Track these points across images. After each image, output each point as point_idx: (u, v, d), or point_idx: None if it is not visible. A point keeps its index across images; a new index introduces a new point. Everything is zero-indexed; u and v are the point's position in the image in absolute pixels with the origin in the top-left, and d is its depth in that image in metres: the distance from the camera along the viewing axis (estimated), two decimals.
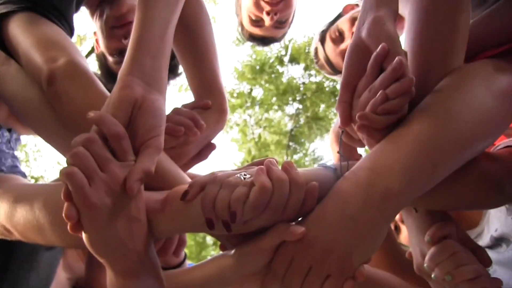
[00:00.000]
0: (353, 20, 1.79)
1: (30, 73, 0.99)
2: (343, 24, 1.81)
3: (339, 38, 1.81)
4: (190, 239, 10.94)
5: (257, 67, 12.00)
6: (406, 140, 0.76)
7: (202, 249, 12.53)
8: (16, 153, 1.36)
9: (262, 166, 0.74)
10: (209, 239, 10.98)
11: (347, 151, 1.00)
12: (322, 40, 1.89)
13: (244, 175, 0.75)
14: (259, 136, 12.50)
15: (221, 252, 0.87)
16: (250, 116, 12.55)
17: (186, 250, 1.09)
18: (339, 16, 1.91)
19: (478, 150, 0.81)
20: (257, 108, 12.52)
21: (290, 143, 12.09)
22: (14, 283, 1.12)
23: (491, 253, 1.05)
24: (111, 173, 0.70)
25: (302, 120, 12.11)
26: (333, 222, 0.73)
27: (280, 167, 0.75)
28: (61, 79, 0.91)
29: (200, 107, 1.10)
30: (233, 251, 0.81)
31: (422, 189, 0.76)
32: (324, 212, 0.74)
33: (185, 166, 1.04)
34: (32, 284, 1.15)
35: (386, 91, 0.79)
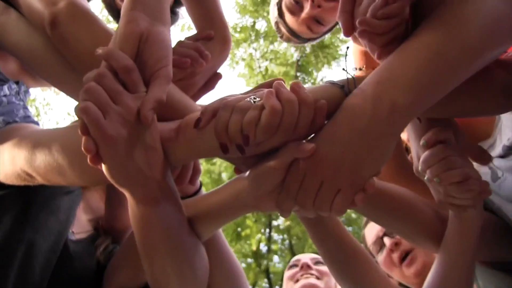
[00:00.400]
0: None
1: (32, 19, 0.99)
2: None
3: (297, 7, 1.70)
4: (205, 177, 11.11)
5: None
6: (413, 53, 0.75)
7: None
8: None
9: (271, 89, 0.75)
10: (225, 176, 11.14)
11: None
12: (280, 14, 1.78)
13: (254, 98, 0.76)
14: (266, 69, 12.38)
15: (236, 176, 0.90)
16: (255, 49, 12.38)
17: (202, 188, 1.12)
18: None
19: (488, 59, 0.81)
20: (261, 41, 12.32)
21: (298, 74, 11.98)
22: (34, 226, 1.15)
23: (503, 162, 1.07)
24: (124, 105, 0.73)
25: (308, 49, 11.94)
26: (342, 137, 0.74)
27: (288, 88, 0.76)
28: (64, 21, 0.91)
29: (203, 38, 1.11)
30: (247, 173, 0.84)
31: (430, 101, 0.76)
32: (333, 128, 0.76)
33: (194, 98, 1.05)
34: (52, 227, 1.18)
35: None
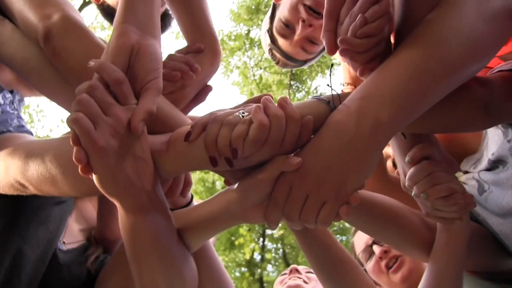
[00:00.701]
0: (293, 6, 1.63)
1: (26, 32, 1.00)
2: (285, 13, 1.67)
3: (288, 30, 1.68)
4: (199, 185, 11.10)
5: (253, 7, 11.79)
6: (395, 69, 0.77)
7: (212, 195, 12.73)
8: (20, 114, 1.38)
9: (259, 104, 0.77)
10: (218, 185, 11.14)
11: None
12: (273, 40, 1.77)
13: (243, 113, 0.78)
14: (260, 77, 12.43)
15: (226, 188, 0.91)
16: (249, 58, 12.43)
17: (196, 197, 1.12)
18: (274, 8, 1.77)
19: (468, 75, 0.83)
20: (256, 49, 12.37)
21: (292, 82, 12.02)
22: (23, 236, 1.15)
23: (488, 175, 1.09)
24: (115, 116, 0.74)
25: None
26: (327, 151, 0.76)
27: (276, 104, 0.78)
28: (58, 35, 0.92)
29: (193, 51, 1.13)
30: (236, 185, 0.86)
31: (412, 116, 0.78)
32: (319, 142, 0.78)
33: (184, 110, 1.07)
34: (41, 237, 1.18)
35: (365, 14, 0.82)
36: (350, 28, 0.84)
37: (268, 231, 11.40)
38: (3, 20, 1.05)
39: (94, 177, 0.77)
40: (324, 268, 1.22)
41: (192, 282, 0.96)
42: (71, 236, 1.33)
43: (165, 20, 1.50)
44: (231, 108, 0.85)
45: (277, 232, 11.33)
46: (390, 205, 1.13)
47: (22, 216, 1.16)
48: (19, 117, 1.34)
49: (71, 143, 0.73)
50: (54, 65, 0.97)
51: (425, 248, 1.13)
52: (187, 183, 0.98)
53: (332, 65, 0.97)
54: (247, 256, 10.52)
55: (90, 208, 1.45)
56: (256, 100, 0.83)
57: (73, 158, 0.73)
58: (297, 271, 1.95)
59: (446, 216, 1.01)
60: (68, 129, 0.80)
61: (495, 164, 1.17)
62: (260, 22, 11.78)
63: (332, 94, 0.84)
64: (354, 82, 1.44)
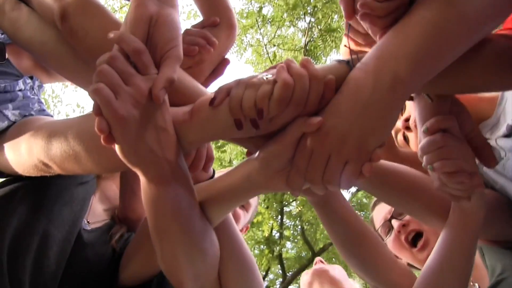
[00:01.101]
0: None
1: (42, 13, 1.00)
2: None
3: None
4: (216, 164, 11.14)
5: None
6: (410, 26, 0.78)
7: None
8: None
9: (282, 64, 0.78)
10: (235, 163, 11.17)
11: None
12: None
13: (266, 75, 0.78)
14: (274, 54, 12.36)
15: (246, 158, 0.92)
16: (262, 35, 12.36)
17: None
18: None
19: (484, 32, 0.82)
20: (268, 26, 12.29)
21: None
22: (49, 217, 1.17)
23: (506, 141, 1.07)
24: (136, 86, 0.75)
25: (315, 34, 11.88)
26: (347, 110, 0.77)
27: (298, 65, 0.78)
28: (73, 14, 0.93)
29: (209, 25, 1.12)
30: (257, 153, 0.86)
31: (429, 73, 0.79)
32: (339, 102, 0.79)
33: (203, 84, 1.06)
34: (66, 217, 1.21)
35: None
36: None
37: (286, 208, 11.46)
38: (18, 4, 1.06)
39: (116, 147, 0.77)
40: (345, 242, 1.23)
41: (213, 257, 0.98)
42: (95, 215, 1.35)
43: None
44: (254, 74, 0.85)
45: (295, 209, 11.39)
46: (411, 175, 1.13)
47: (47, 198, 1.18)
48: (39, 101, 1.36)
49: (93, 113, 0.74)
50: (71, 46, 0.97)
51: (445, 218, 1.12)
52: (209, 158, 0.99)
53: (349, 25, 0.95)
54: (266, 234, 10.58)
55: (113, 187, 1.47)
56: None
57: (95, 128, 0.74)
58: (321, 261, 1.99)
59: (452, 193, 1.01)
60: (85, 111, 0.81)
61: None
62: None
63: (351, 55, 0.85)
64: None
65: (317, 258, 2.03)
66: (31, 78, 1.36)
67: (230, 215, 1.10)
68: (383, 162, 1.09)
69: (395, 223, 1.55)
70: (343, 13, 0.91)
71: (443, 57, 0.78)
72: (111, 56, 0.75)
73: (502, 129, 1.17)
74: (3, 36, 1.26)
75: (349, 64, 0.83)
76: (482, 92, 1.04)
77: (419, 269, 1.50)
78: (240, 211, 1.68)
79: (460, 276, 1.07)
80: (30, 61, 1.40)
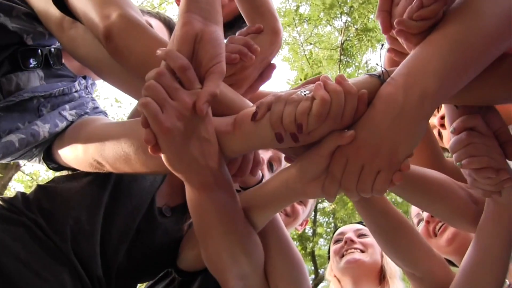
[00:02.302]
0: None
1: (92, 32, 1.04)
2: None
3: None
4: None
5: None
6: (437, 44, 0.83)
7: None
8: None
9: (319, 82, 0.83)
10: None
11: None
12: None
13: (304, 91, 0.84)
14: (310, 53, 12.33)
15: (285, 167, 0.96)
16: (299, 33, 12.35)
17: None
18: None
19: (504, 47, 0.87)
20: (305, 25, 12.25)
21: (342, 57, 11.87)
22: (115, 191, 1.23)
23: None
24: (181, 100, 0.80)
25: (351, 33, 11.82)
26: (379, 123, 0.82)
27: (334, 81, 0.84)
28: (118, 35, 0.96)
29: (253, 32, 1.14)
30: (294, 162, 0.92)
31: (456, 87, 0.84)
32: (371, 115, 0.84)
33: (251, 89, 1.11)
34: (135, 194, 1.25)
35: None
36: (407, 11, 0.88)
37: (320, 205, 11.45)
38: (75, 22, 1.11)
39: (162, 156, 0.83)
40: (383, 232, 1.27)
41: (257, 258, 1.04)
42: (166, 197, 1.36)
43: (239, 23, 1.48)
44: (292, 89, 0.90)
45: (329, 206, 11.37)
46: (439, 179, 1.16)
47: (114, 175, 1.23)
48: (93, 100, 1.43)
49: (141, 126, 0.80)
50: (117, 62, 1.01)
51: (472, 221, 1.15)
52: (257, 162, 1.00)
53: (382, 45, 1.02)
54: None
55: None
56: (312, 81, 0.89)
57: (143, 140, 0.80)
58: (352, 241, 2.02)
59: (483, 188, 1.04)
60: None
61: None
62: None
63: (382, 70, 0.89)
64: None
65: (347, 237, 2.04)
66: (84, 78, 1.44)
67: (279, 218, 1.13)
68: (412, 166, 1.10)
69: (424, 213, 1.60)
70: (380, 26, 0.96)
71: (468, 72, 0.83)
72: (158, 72, 0.79)
73: None
74: (59, 43, 1.33)
75: (380, 78, 0.87)
76: (503, 103, 1.05)
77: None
78: (299, 207, 1.70)
79: (498, 268, 1.11)
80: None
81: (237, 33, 1.15)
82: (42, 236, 1.09)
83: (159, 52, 0.82)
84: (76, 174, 1.25)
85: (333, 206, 10.86)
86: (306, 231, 10.93)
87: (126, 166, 1.05)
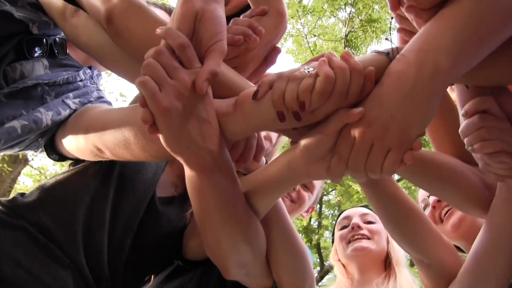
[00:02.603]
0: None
1: (93, 17, 1.03)
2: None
3: None
4: None
5: None
6: (450, 18, 0.79)
7: None
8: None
9: (323, 58, 0.80)
10: None
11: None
12: None
13: (307, 69, 0.80)
14: (314, 45, 12.33)
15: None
16: (303, 25, 12.33)
17: None
18: None
19: None
20: (309, 16, 12.25)
21: (346, 49, 11.85)
22: (119, 186, 1.21)
23: None
24: (180, 79, 0.78)
25: (356, 24, 11.79)
26: (389, 100, 0.78)
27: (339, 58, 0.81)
28: (119, 17, 0.95)
29: (257, 14, 1.11)
30: (299, 143, 0.88)
31: (469, 63, 0.80)
32: (380, 92, 0.80)
33: (255, 73, 1.08)
34: (137, 186, 1.24)
35: None
36: None
37: (325, 198, 11.46)
38: (77, 10, 1.10)
39: (160, 136, 0.81)
40: (392, 218, 1.24)
41: (258, 246, 1.01)
42: (163, 187, 1.35)
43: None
44: (295, 68, 0.86)
45: (334, 199, 11.38)
46: (450, 164, 1.13)
47: (116, 168, 1.23)
48: (98, 89, 1.42)
49: (139, 104, 0.79)
50: (118, 46, 1.00)
51: (483, 207, 1.12)
52: (260, 148, 0.98)
53: (392, 18, 0.98)
54: (304, 223, 10.59)
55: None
56: (317, 59, 0.85)
57: (140, 119, 0.78)
58: (359, 227, 1.99)
59: (496, 172, 1.00)
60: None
61: None
62: None
63: (391, 47, 0.86)
64: None
65: (354, 223, 2.01)
66: (90, 68, 1.42)
67: (282, 205, 1.10)
68: (423, 150, 1.10)
69: (431, 198, 1.58)
70: (388, 3, 0.94)
71: (482, 48, 0.80)
72: (157, 50, 0.78)
73: None
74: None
75: (388, 56, 0.84)
76: None
77: None
78: (304, 193, 1.67)
79: (510, 251, 1.08)
80: (84, 53, 1.44)
81: (241, 16, 1.13)
82: (43, 239, 1.07)
83: (158, 31, 0.80)
84: (78, 169, 1.23)
85: (339, 199, 10.88)
86: (312, 223, 10.96)
87: (125, 151, 1.03)
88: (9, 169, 7.45)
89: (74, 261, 1.08)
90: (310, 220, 10.80)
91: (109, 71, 1.33)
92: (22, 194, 1.18)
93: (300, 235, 10.75)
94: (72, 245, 1.09)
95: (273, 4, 1.12)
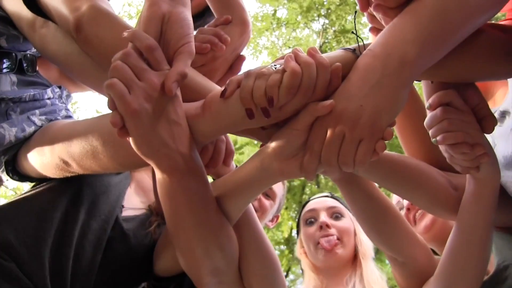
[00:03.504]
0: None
1: (63, 27, 1.03)
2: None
3: None
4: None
5: None
6: (415, 13, 0.82)
7: None
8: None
9: (290, 54, 0.81)
10: None
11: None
12: None
13: (274, 65, 0.82)
14: None
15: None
16: (277, 37, 12.39)
17: None
18: None
19: (482, 20, 0.86)
20: (283, 28, 12.33)
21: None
22: (88, 208, 1.19)
23: (496, 129, 1.07)
24: (148, 81, 0.78)
25: (330, 35, 11.90)
26: (357, 92, 0.80)
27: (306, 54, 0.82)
28: (87, 24, 0.94)
29: (221, 23, 1.13)
30: (270, 142, 0.88)
31: (434, 56, 0.83)
32: (348, 85, 0.82)
33: (222, 81, 1.08)
34: (102, 207, 1.22)
35: None
36: None
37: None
38: (46, 22, 1.11)
39: (130, 140, 0.80)
40: (367, 217, 1.25)
41: (231, 252, 1.00)
42: (133, 206, 1.36)
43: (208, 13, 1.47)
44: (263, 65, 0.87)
45: None
46: (416, 166, 1.15)
47: (84, 189, 1.21)
48: (67, 109, 1.41)
49: (107, 107, 0.78)
50: (87, 54, 1.00)
51: (452, 208, 1.13)
52: (229, 152, 0.99)
53: (355, 12, 0.99)
54: (286, 234, 10.58)
55: (147, 179, 1.48)
56: (284, 57, 0.86)
57: (109, 122, 0.77)
58: (327, 225, 1.92)
59: (460, 164, 1.02)
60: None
61: (503, 116, 1.17)
62: (285, 2, 11.74)
63: (358, 43, 0.88)
64: None
65: (322, 221, 1.93)
66: (60, 87, 1.41)
67: (253, 212, 1.10)
68: (391, 153, 1.12)
69: (405, 201, 1.59)
70: (357, 3, 0.95)
71: (447, 41, 0.83)
72: (124, 52, 0.78)
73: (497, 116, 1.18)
74: (35, 50, 1.32)
75: (355, 52, 0.86)
76: (479, 81, 1.05)
77: None
78: (266, 201, 1.66)
79: (484, 247, 1.10)
80: (58, 73, 1.46)
81: (205, 26, 1.15)
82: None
83: (125, 34, 0.80)
84: (45, 186, 1.20)
85: None
86: (293, 234, 10.93)
87: (93, 162, 1.02)
88: None
89: (36, 281, 1.04)
90: (291, 231, 10.79)
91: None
92: None
93: (282, 246, 10.75)
94: (36, 263, 1.05)
95: (237, 13, 1.14)
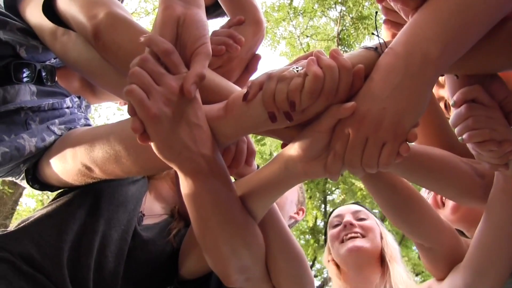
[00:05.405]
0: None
1: (81, 34, 1.05)
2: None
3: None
4: (257, 157, 11.17)
5: None
6: (436, 7, 0.80)
7: None
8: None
9: (312, 57, 0.80)
10: None
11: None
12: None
13: (296, 68, 0.81)
14: (308, 45, 12.31)
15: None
16: (295, 27, 12.32)
17: None
18: None
19: (504, 11, 0.84)
20: (300, 18, 12.24)
21: (340, 47, 11.85)
22: (107, 219, 1.21)
23: None
24: (167, 85, 0.78)
25: (347, 22, 11.79)
26: (381, 93, 0.79)
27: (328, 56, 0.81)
28: (105, 31, 0.96)
29: (235, 24, 1.14)
30: (293, 143, 0.88)
31: (457, 52, 0.81)
32: (371, 86, 0.81)
33: (239, 81, 1.09)
34: (121, 217, 1.24)
35: None
36: None
37: (329, 197, 11.44)
38: (67, 31, 1.12)
39: (152, 144, 0.80)
40: (392, 207, 1.25)
41: (258, 249, 1.00)
42: (155, 213, 1.37)
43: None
44: (284, 66, 0.87)
45: (338, 197, 11.35)
46: (440, 156, 1.13)
47: (102, 200, 1.23)
48: (86, 118, 1.43)
49: (127, 113, 0.78)
50: (107, 60, 1.01)
51: (480, 197, 1.12)
52: (251, 152, 0.99)
53: (376, 12, 0.98)
54: (310, 224, 10.57)
55: (166, 187, 1.48)
56: (307, 57, 0.85)
57: (130, 128, 0.78)
58: (352, 225, 1.94)
59: (488, 161, 0.99)
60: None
61: None
62: None
63: (379, 41, 0.86)
64: None
65: (346, 221, 1.95)
66: (79, 97, 1.43)
67: (278, 211, 1.09)
68: (413, 145, 1.09)
69: None
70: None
71: (470, 35, 0.80)
72: (142, 58, 0.78)
73: None
74: (54, 61, 1.34)
75: (377, 51, 0.85)
76: (506, 71, 1.00)
77: None
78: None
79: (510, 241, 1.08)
80: (78, 83, 1.47)
81: (219, 27, 1.15)
82: (28, 270, 1.05)
83: (142, 39, 0.80)
84: (63, 201, 1.22)
85: (343, 197, 10.84)
86: (318, 223, 10.94)
87: (116, 166, 1.03)
88: (10, 190, 7.40)
89: None
90: (316, 221, 10.78)
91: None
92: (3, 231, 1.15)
93: (308, 236, 10.76)
94: (59, 274, 1.07)
95: (250, 13, 1.14)
